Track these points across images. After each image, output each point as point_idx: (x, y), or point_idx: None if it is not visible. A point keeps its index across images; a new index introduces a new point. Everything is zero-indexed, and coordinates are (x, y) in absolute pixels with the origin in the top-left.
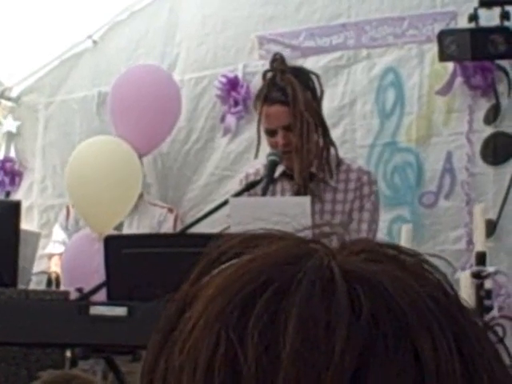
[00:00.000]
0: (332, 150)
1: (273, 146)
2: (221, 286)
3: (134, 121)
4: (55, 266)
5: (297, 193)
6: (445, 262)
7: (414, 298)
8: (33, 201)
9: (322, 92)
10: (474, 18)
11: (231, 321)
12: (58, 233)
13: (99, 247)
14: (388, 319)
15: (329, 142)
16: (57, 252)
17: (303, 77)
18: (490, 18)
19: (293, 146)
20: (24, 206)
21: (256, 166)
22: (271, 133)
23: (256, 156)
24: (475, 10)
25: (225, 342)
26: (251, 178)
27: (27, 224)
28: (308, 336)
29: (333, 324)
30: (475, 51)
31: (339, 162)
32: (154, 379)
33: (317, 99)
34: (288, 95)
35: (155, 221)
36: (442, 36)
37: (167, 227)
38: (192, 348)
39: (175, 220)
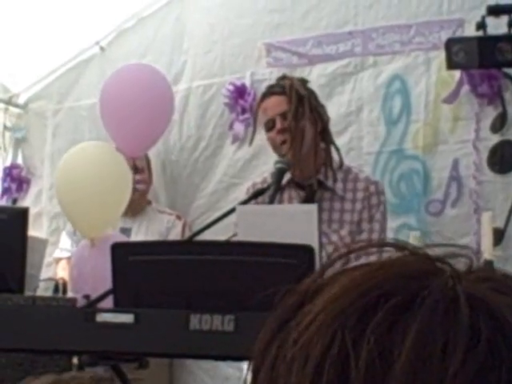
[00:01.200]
0: (335, 155)
1: (273, 140)
2: (345, 287)
3: (124, 122)
4: (62, 270)
5: (304, 201)
6: None
7: None
8: (42, 207)
9: (328, 119)
10: (481, 26)
11: (349, 323)
12: (65, 240)
13: (90, 253)
14: (505, 351)
15: (331, 144)
16: (64, 256)
17: (306, 83)
18: (498, 26)
19: (287, 129)
20: (33, 212)
21: (263, 174)
22: (270, 126)
23: (250, 144)
24: (483, 18)
25: (339, 342)
26: (258, 187)
27: (36, 231)
28: (424, 352)
29: (450, 346)
30: (483, 59)
31: (347, 170)
32: (263, 365)
33: (320, 105)
34: (286, 87)
35: (163, 227)
36: (450, 44)
37: (175, 233)
38: (306, 342)
39: (183, 227)
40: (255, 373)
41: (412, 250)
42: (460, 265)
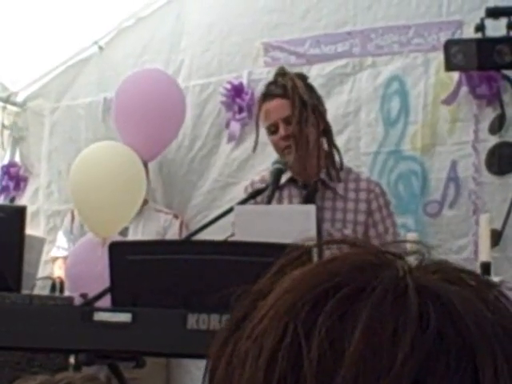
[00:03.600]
0: (336, 157)
1: (276, 144)
2: (296, 281)
3: (138, 126)
4: (59, 269)
5: (305, 199)
6: None
7: (482, 322)
8: (39, 206)
9: (325, 111)
10: (480, 28)
11: (300, 315)
12: (63, 238)
13: (103, 252)
14: (453, 337)
15: (333, 145)
16: (61, 255)
17: (306, 80)
18: (497, 28)
19: (291, 135)
20: (30, 211)
21: (262, 173)
22: (273, 131)
23: (254, 150)
24: (482, 20)
25: (291, 334)
26: (257, 185)
27: (33, 229)
28: (373, 340)
29: (399, 332)
30: (481, 61)
31: (348, 170)
32: (220, 362)
33: (320, 103)
34: (288, 89)
35: (160, 227)
36: (449, 45)
37: (172, 233)
38: (260, 336)
39: (180, 226)
40: (212, 372)
41: (362, 244)
42: (412, 260)
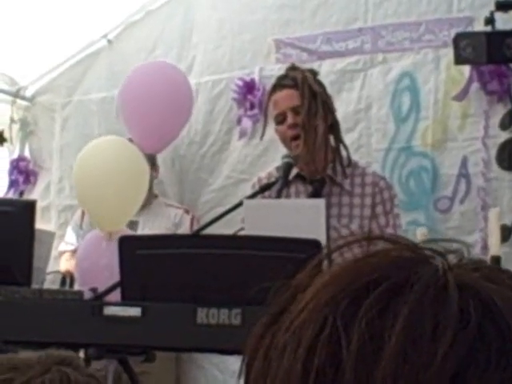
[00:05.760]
0: (343, 152)
1: (283, 134)
2: (336, 275)
3: (144, 119)
4: (66, 262)
5: (311, 195)
6: None
7: None
8: (50, 201)
9: (335, 110)
10: (490, 21)
11: (340, 308)
12: (71, 234)
13: (107, 246)
14: (494, 334)
15: (340, 141)
16: (68, 249)
17: (316, 76)
18: (506, 21)
19: (300, 125)
20: (41, 206)
21: (268, 169)
22: (281, 120)
23: (261, 138)
24: (491, 13)
25: (330, 326)
26: (263, 182)
27: (44, 224)
28: (414, 334)
29: (440, 328)
30: (491, 54)
31: (354, 165)
32: (257, 357)
33: (330, 100)
34: (298, 80)
35: (171, 222)
36: (458, 39)
37: (184, 228)
38: (298, 328)
39: (192, 221)
40: (249, 366)
41: (403, 241)
42: (452, 258)
